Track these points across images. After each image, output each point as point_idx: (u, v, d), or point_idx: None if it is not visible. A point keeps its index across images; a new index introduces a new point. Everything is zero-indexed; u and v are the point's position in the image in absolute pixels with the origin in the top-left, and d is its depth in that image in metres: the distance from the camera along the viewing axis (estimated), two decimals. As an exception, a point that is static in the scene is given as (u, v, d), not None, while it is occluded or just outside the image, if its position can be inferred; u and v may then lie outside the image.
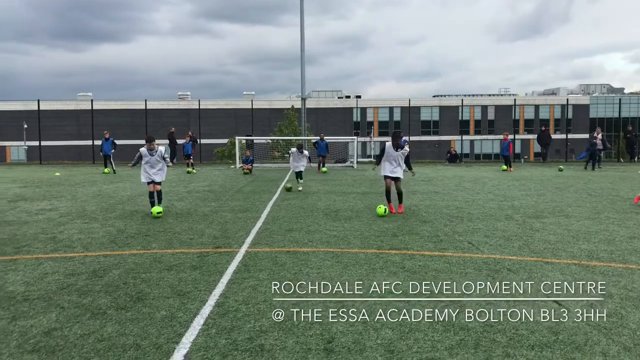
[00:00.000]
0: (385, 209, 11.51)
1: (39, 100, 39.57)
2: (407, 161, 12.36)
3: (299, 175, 17.70)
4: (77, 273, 6.88)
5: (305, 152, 18.05)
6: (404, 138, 29.36)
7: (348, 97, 79.91)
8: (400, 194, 12.16)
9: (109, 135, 26.84)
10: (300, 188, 16.95)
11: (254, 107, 45.84)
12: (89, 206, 13.25)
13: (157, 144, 12.04)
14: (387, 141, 12.32)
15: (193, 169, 26.75)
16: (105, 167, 26.19)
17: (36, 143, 42.88)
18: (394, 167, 12.05)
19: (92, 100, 43.17)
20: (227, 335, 4.73)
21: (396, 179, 12.15)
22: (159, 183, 12.08)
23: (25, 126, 58.68)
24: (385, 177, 12.17)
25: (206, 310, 5.41)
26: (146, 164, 11.95)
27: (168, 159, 12.28)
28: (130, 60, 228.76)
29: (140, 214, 11.95)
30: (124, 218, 11.31)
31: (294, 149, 18.13)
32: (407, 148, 12.28)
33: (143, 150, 11.92)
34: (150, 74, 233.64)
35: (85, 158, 44.74)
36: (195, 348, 4.48)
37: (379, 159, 12.49)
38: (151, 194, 11.94)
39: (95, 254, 8.02)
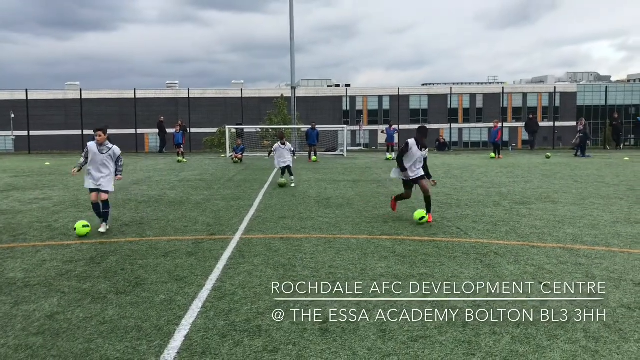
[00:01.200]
0: (424, 217, 9.27)
1: (27, 90, 39.30)
2: (425, 166, 9.73)
3: (287, 170, 15.68)
4: (75, 260, 7.02)
5: (289, 145, 16.06)
6: (394, 126, 29.70)
7: (337, 85, 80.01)
8: (428, 200, 9.61)
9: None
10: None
11: (243, 95, 45.80)
12: (82, 195, 13.32)
13: (110, 142, 9.04)
14: (410, 138, 9.61)
15: (183, 158, 26.80)
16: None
17: (23, 133, 42.66)
18: (415, 167, 9.55)
19: (80, 90, 42.93)
20: (225, 317, 4.91)
21: (419, 178, 9.59)
22: (106, 192, 8.88)
23: (13, 116, 58.28)
24: (406, 182, 9.73)
25: (204, 294, 5.58)
26: (91, 165, 8.87)
27: (121, 168, 9.14)
28: (118, 49, 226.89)
29: (134, 202, 12.06)
30: (117, 207, 11.41)
31: (277, 144, 16.05)
32: (425, 152, 9.61)
33: (91, 144, 8.89)
34: (137, 62, 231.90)
35: (73, 147, 44.55)
36: (195, 329, 4.66)
37: (401, 159, 9.58)
38: (95, 206, 8.94)
39: (92, 241, 8.15)
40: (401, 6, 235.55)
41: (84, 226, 8.42)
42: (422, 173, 9.59)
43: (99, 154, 8.81)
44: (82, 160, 9.00)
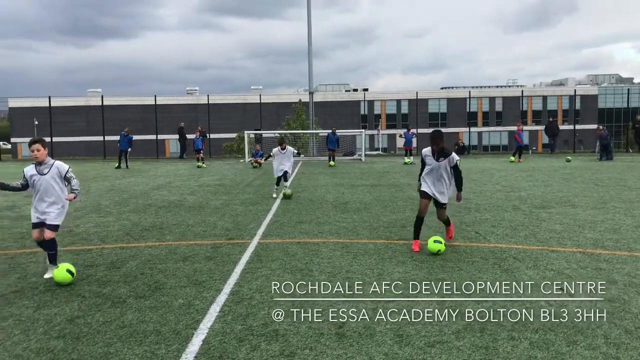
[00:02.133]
0: (439, 249, 7.37)
1: (49, 97, 39.94)
2: (458, 176, 7.91)
3: (283, 177, 14.21)
4: (96, 264, 7.12)
5: (290, 149, 14.51)
6: (412, 130, 29.57)
7: (355, 90, 79.97)
8: (445, 223, 8.26)
9: (129, 132, 27.03)
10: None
11: (262, 101, 46.04)
12: (103, 200, 13.51)
13: (50, 158, 6.66)
14: (424, 148, 8.05)
15: (203, 163, 26.99)
16: (119, 162, 26.41)
17: (47, 139, 43.36)
18: (438, 185, 7.77)
19: (102, 97, 43.52)
20: (243, 322, 4.94)
21: (439, 205, 7.87)
22: (53, 227, 6.48)
23: (37, 122, 59.22)
24: (423, 194, 7.83)
25: (222, 298, 5.63)
26: (35, 194, 6.53)
27: (76, 187, 6.65)
28: (138, 56, 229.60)
29: (154, 207, 12.18)
30: (138, 212, 11.55)
31: (275, 149, 14.52)
32: (455, 156, 7.79)
33: (27, 169, 6.55)
34: (157, 69, 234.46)
35: (95, 153, 45.15)
36: (213, 333, 4.69)
37: (419, 175, 8.05)
38: (39, 244, 6.69)
39: (112, 246, 8.25)
40: (419, 10, 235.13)
41: (67, 271, 6.23)
42: (444, 199, 7.77)
43: (40, 176, 6.46)
44: (15, 183, 6.59)
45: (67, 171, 6.63)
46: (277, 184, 14.36)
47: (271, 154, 14.83)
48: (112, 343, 4.52)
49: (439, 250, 7.36)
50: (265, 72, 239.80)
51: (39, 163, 6.54)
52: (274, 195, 13.80)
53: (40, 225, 6.54)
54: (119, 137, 27.08)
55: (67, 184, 6.64)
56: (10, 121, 70.24)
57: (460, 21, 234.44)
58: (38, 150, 6.50)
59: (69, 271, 6.24)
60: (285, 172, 14.27)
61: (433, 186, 7.76)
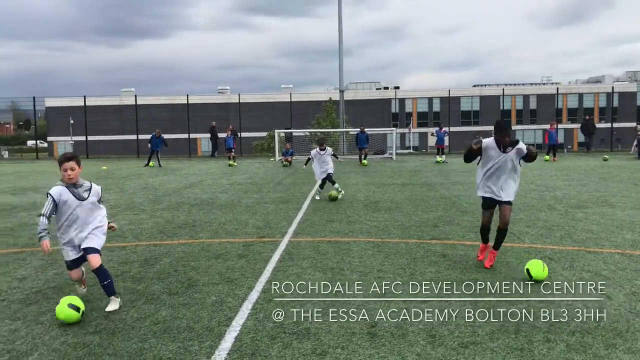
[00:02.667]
0: (544, 267, 6.11)
1: (84, 97, 40.76)
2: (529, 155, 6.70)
3: (328, 180, 13.69)
4: (130, 261, 7.23)
5: (329, 150, 14.03)
6: (444, 129, 29.25)
7: (386, 88, 79.57)
8: (503, 233, 6.77)
9: (159, 134, 27.39)
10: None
11: (292, 100, 46.15)
12: (137, 198, 13.73)
13: (82, 180, 5.45)
14: (487, 137, 6.96)
15: (234, 161, 27.22)
16: (149, 161, 26.80)
17: (82, 138, 44.25)
18: (502, 182, 6.67)
19: (135, 96, 44.24)
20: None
21: (502, 204, 6.69)
22: (97, 251, 5.42)
23: (72, 122, 60.53)
24: (485, 200, 6.81)
25: (253, 295, 5.66)
26: (68, 222, 5.38)
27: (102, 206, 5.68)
28: (170, 56, 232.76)
29: (187, 205, 12.32)
30: (170, 209, 11.70)
31: (314, 151, 14.01)
32: (521, 145, 6.67)
33: (59, 190, 5.32)
34: (189, 68, 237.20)
35: (129, 152, 45.90)
36: (245, 331, 4.72)
37: (467, 157, 6.88)
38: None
39: (146, 243, 8.38)
40: (451, 7, 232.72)
41: (70, 306, 4.93)
42: (509, 197, 6.68)
43: (79, 201, 5.34)
44: (44, 220, 5.23)
45: (101, 192, 5.65)
46: (322, 187, 13.79)
47: (310, 156, 14.21)
48: (147, 339, 4.58)
49: (544, 268, 6.09)
50: (296, 70, 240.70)
51: (73, 185, 5.35)
52: (317, 197, 13.30)
53: (81, 261, 5.45)
54: (150, 137, 27.52)
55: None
56: (47, 120, 71.91)
57: (493, 17, 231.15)
58: (72, 170, 5.28)
59: (72, 306, 4.94)
60: (329, 174, 13.70)
61: (495, 185, 6.66)
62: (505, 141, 6.61)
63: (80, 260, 5.48)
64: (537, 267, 6.07)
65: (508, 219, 6.72)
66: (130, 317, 5.11)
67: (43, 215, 5.25)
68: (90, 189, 5.47)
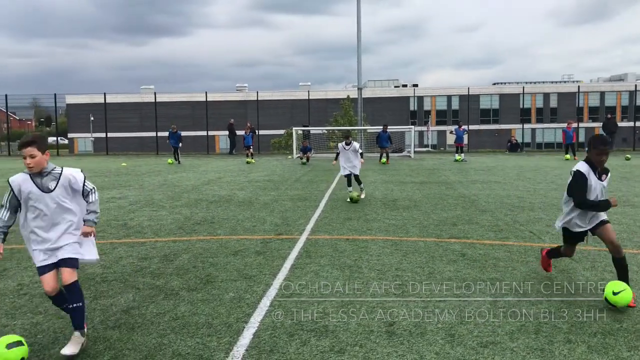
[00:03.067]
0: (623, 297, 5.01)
1: (104, 94, 41.18)
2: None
3: (354, 178, 12.98)
4: (150, 257, 7.29)
5: (355, 145, 13.09)
6: (463, 127, 29.02)
7: (405, 86, 79.20)
8: (622, 264, 5.39)
9: (176, 129, 27.60)
10: (363, 195, 12.75)
11: (310, 97, 46.14)
12: (156, 195, 13.83)
13: (57, 168, 4.43)
14: (579, 162, 5.62)
15: (252, 159, 27.31)
16: (176, 158, 26.89)
17: (102, 135, 44.71)
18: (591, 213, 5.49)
19: (154, 93, 44.58)
20: (293, 316, 4.95)
21: (599, 225, 5.48)
22: (73, 263, 4.36)
23: (92, 119, 61.18)
24: (576, 234, 5.68)
25: (272, 292, 5.66)
26: (33, 218, 4.34)
27: (94, 207, 4.54)
28: (190, 53, 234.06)
29: (205, 202, 12.38)
30: (189, 206, 11.77)
31: (341, 144, 13.26)
32: (606, 181, 5.60)
33: (19, 178, 4.34)
34: (209, 66, 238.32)
35: (148, 149, 46.27)
36: (264, 327, 4.73)
37: (583, 198, 5.41)
38: (54, 299, 4.44)
39: (165, 239, 8.43)
40: (471, 4, 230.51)
41: (9, 346, 4.03)
42: (603, 216, 5.50)
43: (42, 193, 4.31)
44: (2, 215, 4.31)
45: (84, 183, 4.50)
46: (349, 184, 12.95)
47: (338, 151, 13.43)
48: (166, 334, 4.62)
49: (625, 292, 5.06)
50: (314, 68, 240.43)
51: (38, 173, 4.31)
52: (362, 196, 12.69)
53: (53, 267, 4.34)
54: (168, 134, 27.69)
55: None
56: (68, 117, 72.77)
57: (513, 15, 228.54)
58: (32, 157, 4.24)
59: (11, 345, 4.03)
60: (356, 175, 12.96)
61: (586, 215, 5.49)
62: (602, 161, 5.47)
63: (50, 268, 4.33)
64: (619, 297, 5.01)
65: (614, 238, 5.38)
66: (150, 312, 5.14)
67: (5, 201, 4.31)
68: (58, 178, 4.37)
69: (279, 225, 9.44)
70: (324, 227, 9.31)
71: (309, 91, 52.60)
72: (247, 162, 25.96)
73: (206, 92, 41.79)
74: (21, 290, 5.93)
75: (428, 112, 71.85)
